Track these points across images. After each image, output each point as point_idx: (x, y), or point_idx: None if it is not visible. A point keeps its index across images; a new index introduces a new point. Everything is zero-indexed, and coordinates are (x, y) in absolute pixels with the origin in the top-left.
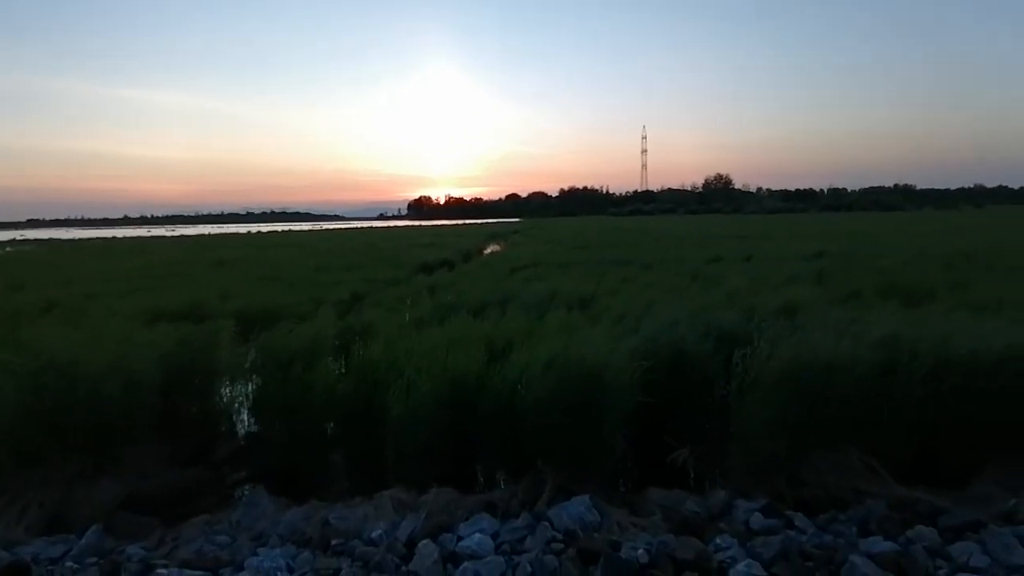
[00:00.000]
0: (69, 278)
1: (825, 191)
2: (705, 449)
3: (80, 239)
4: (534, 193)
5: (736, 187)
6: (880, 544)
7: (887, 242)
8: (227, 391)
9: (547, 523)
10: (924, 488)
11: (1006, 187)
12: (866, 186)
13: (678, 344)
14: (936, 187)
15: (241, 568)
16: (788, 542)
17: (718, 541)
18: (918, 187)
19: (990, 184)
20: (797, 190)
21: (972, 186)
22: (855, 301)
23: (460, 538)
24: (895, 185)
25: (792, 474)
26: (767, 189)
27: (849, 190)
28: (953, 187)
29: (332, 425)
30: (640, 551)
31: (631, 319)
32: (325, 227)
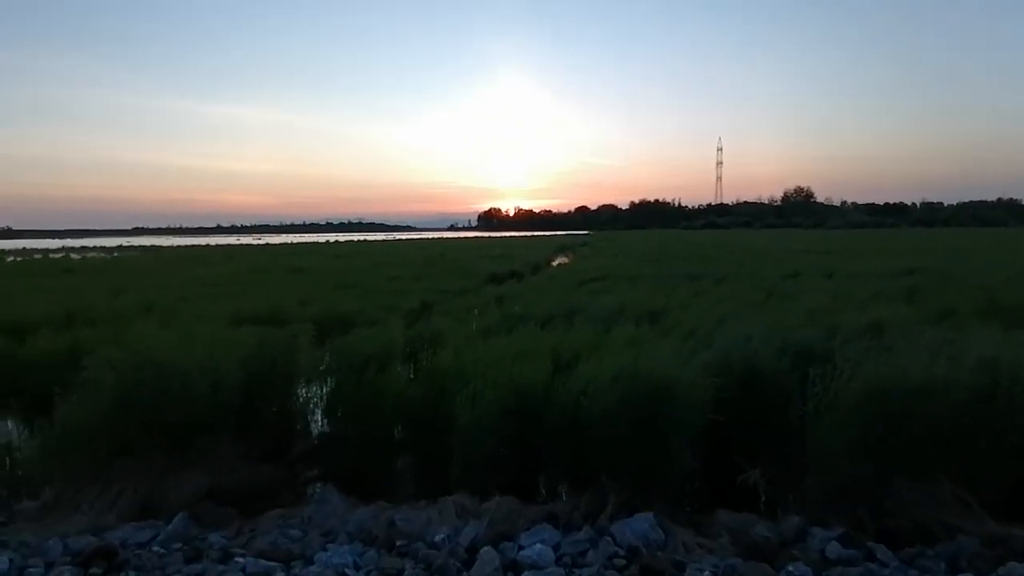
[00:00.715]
0: (166, 282)
1: (918, 205)
2: (778, 472)
3: (177, 246)
4: (604, 206)
5: (818, 200)
6: None
7: (987, 259)
8: (303, 392)
9: (609, 538)
10: (1020, 525)
11: None
12: (965, 200)
13: (751, 360)
14: None
15: (311, 562)
16: (868, 574)
17: (790, 568)
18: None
19: None
20: (886, 204)
21: None
22: (949, 321)
23: (521, 547)
24: (998, 199)
25: (875, 503)
26: (852, 203)
27: (945, 204)
28: None
29: (400, 429)
30: (706, 573)
31: (702, 334)
32: (398, 237)
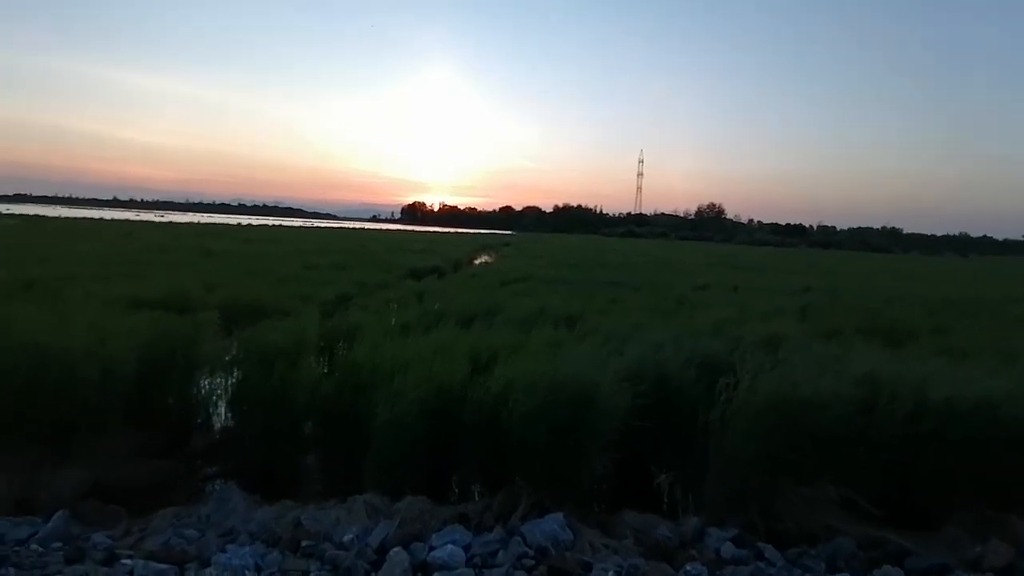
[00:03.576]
0: (50, 257)
1: (815, 227)
2: (682, 474)
3: (66, 218)
4: (528, 207)
5: (728, 217)
6: None
7: (873, 283)
8: (206, 384)
9: (520, 538)
10: (894, 529)
11: (990, 237)
12: (855, 226)
13: (663, 369)
14: (923, 232)
15: (208, 564)
16: (757, 573)
17: (688, 568)
18: (905, 231)
19: (975, 234)
20: (788, 224)
21: (957, 234)
22: (838, 338)
23: (432, 548)
24: (883, 227)
25: (766, 506)
26: (758, 221)
27: (838, 228)
28: (939, 233)
29: (310, 425)
30: (610, 573)
31: (617, 340)
32: (317, 225)
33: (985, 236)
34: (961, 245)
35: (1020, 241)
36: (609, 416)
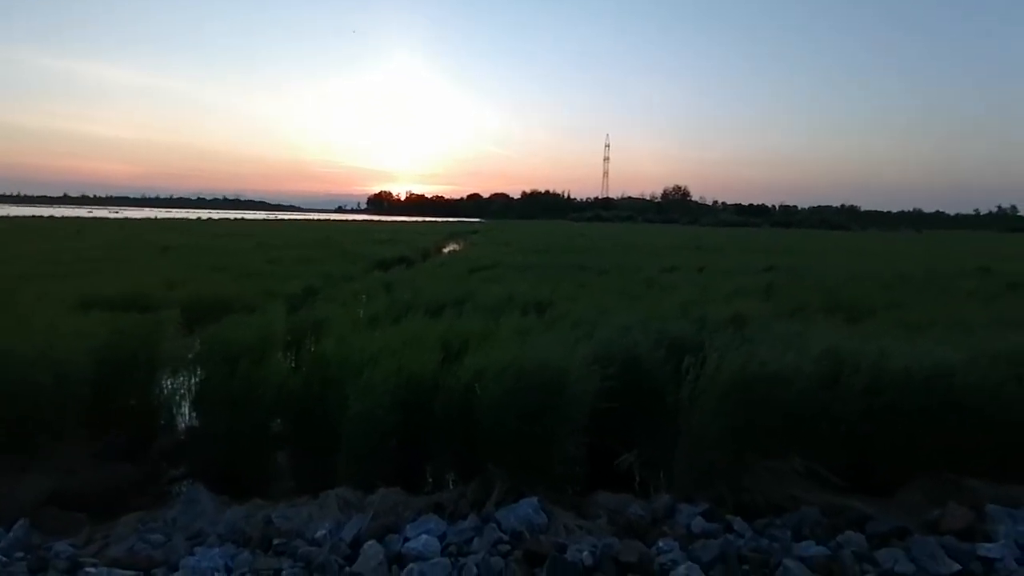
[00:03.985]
0: None
1: (777, 207)
2: (653, 454)
3: (13, 216)
4: (496, 194)
5: (694, 199)
6: (812, 548)
7: (832, 260)
8: (168, 383)
9: (494, 524)
10: (856, 496)
11: (943, 212)
12: (815, 204)
13: (631, 351)
14: (880, 209)
15: (176, 568)
16: (726, 545)
17: (660, 544)
18: (863, 208)
19: (928, 209)
20: (751, 205)
21: (912, 210)
22: (800, 315)
23: (407, 539)
24: (841, 205)
25: (734, 480)
26: (723, 203)
27: (799, 208)
28: (895, 210)
29: (279, 422)
30: (585, 553)
31: (586, 324)
32: (281, 217)
33: (938, 211)
34: (916, 221)
35: (970, 215)
36: (579, 400)
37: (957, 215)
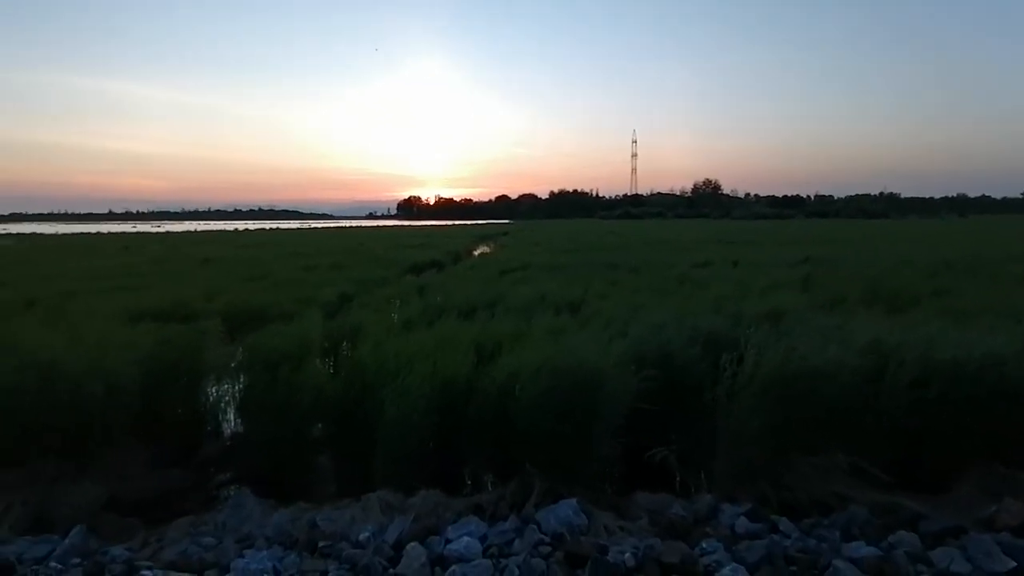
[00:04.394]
0: (50, 275)
1: (812, 198)
2: (692, 452)
3: (63, 234)
4: (524, 195)
5: (725, 192)
6: (863, 549)
7: (872, 249)
8: (213, 391)
9: (535, 526)
10: (907, 494)
11: (988, 196)
12: (852, 194)
13: (665, 348)
14: (921, 195)
15: (227, 570)
16: (772, 546)
17: (704, 545)
18: (903, 195)
19: (972, 194)
20: (785, 196)
21: (955, 195)
22: (840, 307)
23: (448, 541)
24: (880, 193)
25: (777, 478)
26: (755, 195)
27: (835, 197)
28: (937, 196)
29: (320, 426)
30: (627, 554)
31: (619, 323)
32: (313, 226)
33: (984, 195)
34: (960, 206)
35: (1019, 199)
36: (614, 399)
37: (1004, 199)
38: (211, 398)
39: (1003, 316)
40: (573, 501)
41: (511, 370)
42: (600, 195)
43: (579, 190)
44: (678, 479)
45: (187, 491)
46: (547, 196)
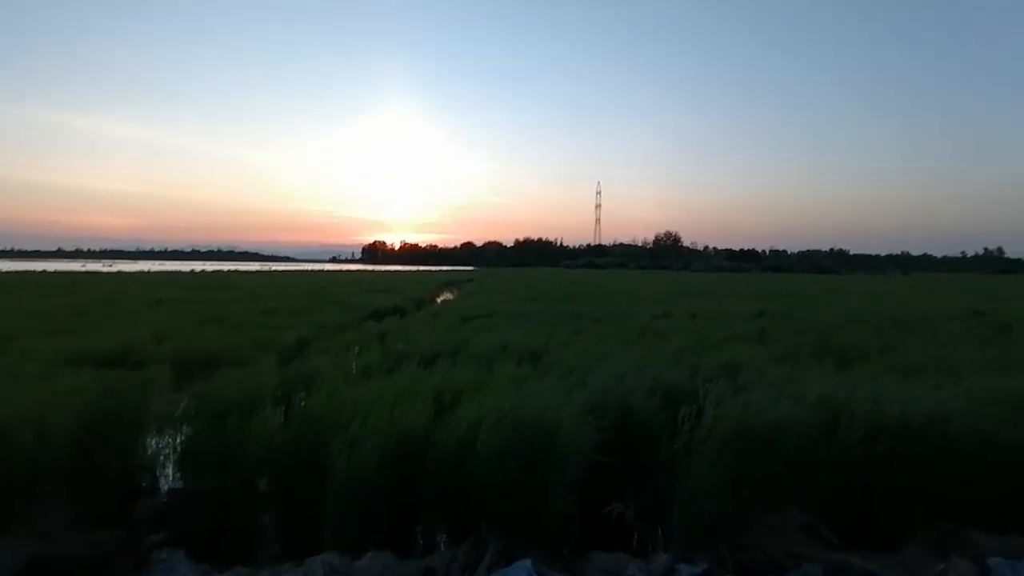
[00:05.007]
0: None
1: (767, 252)
2: (650, 508)
3: (6, 272)
4: (489, 242)
5: (685, 245)
6: None
7: (823, 304)
8: (153, 444)
9: None
10: (858, 551)
11: (930, 255)
12: (804, 249)
13: (626, 400)
14: (868, 252)
15: None
16: None
17: None
18: (851, 252)
19: (915, 252)
20: (741, 250)
21: (899, 253)
22: (793, 360)
23: None
24: (831, 249)
25: (733, 537)
26: (714, 248)
27: (789, 252)
28: (883, 253)
29: (265, 482)
30: None
31: (581, 372)
32: (275, 268)
33: (925, 254)
34: (904, 263)
35: (957, 258)
36: (573, 451)
37: (944, 257)
38: (150, 451)
39: (946, 372)
40: (527, 563)
41: (471, 420)
42: (564, 244)
43: (544, 239)
44: (635, 537)
45: (117, 553)
46: (512, 244)
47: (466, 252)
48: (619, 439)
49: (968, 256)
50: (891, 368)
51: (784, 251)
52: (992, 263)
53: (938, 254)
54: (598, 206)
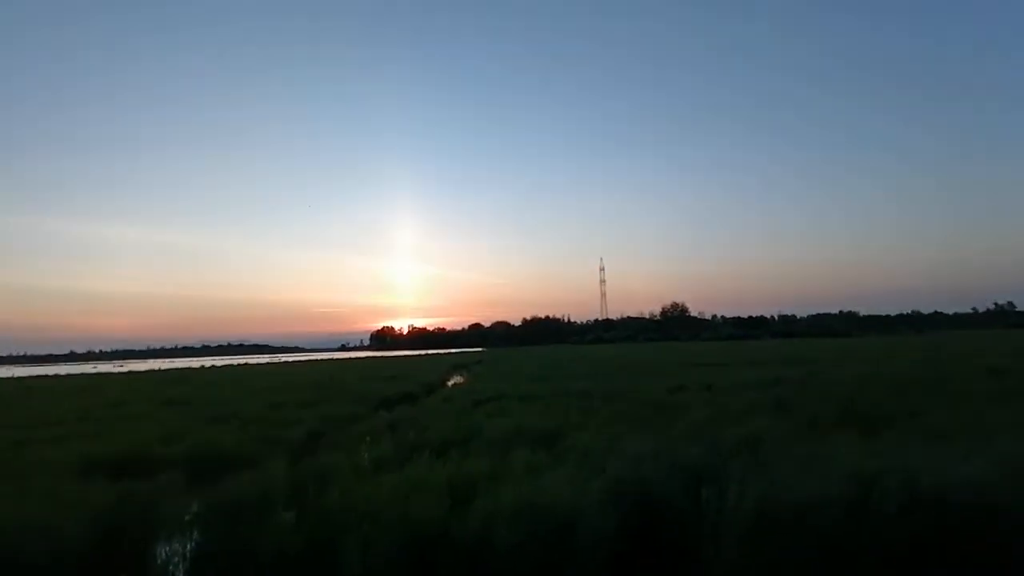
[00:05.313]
0: (0, 422)
1: (776, 317)
2: None
3: (17, 377)
4: (497, 323)
5: (692, 314)
6: None
7: (839, 368)
8: (163, 551)
9: None
10: None
11: (941, 312)
12: (813, 312)
13: (645, 485)
14: (878, 313)
15: None
16: None
17: None
18: (861, 313)
19: (926, 310)
20: (750, 317)
21: (910, 312)
22: (815, 430)
23: None
24: (840, 311)
25: None
26: (722, 316)
27: (798, 316)
28: (893, 313)
29: None
30: None
31: (597, 455)
32: (284, 359)
33: (936, 312)
34: (915, 322)
35: (968, 314)
36: (594, 543)
37: (955, 314)
38: (160, 559)
39: (974, 435)
40: None
41: (487, 513)
42: (572, 320)
43: (551, 316)
44: None
45: None
46: (520, 323)
47: (474, 333)
48: (641, 526)
49: (979, 312)
50: (918, 432)
51: (793, 316)
52: (1003, 318)
53: (949, 311)
54: (603, 281)
